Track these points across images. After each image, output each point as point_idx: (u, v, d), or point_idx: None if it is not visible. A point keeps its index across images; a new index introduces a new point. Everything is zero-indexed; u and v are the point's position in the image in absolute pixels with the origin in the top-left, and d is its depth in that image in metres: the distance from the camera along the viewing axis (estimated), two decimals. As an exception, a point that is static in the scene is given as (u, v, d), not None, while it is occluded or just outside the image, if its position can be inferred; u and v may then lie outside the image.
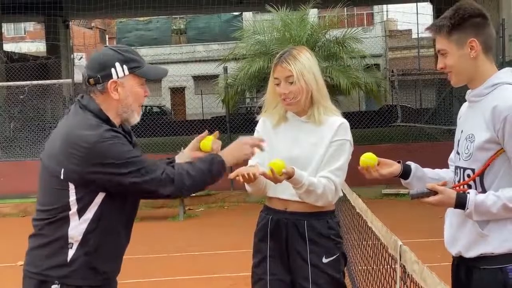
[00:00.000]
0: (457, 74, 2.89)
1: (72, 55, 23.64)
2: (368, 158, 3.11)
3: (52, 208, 2.85)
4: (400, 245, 2.82)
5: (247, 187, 3.50)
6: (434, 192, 2.77)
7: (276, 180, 3.24)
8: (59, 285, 2.84)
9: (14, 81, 17.19)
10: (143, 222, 11.96)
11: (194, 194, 12.54)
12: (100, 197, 2.84)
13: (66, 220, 2.83)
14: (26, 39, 45.46)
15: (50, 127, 16.76)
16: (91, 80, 2.86)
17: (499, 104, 2.72)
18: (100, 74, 2.85)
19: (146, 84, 3.02)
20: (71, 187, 2.81)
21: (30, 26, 45.77)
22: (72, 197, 2.81)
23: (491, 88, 2.82)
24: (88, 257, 2.85)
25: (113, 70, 2.85)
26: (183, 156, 3.23)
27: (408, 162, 3.18)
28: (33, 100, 17.02)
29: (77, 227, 2.83)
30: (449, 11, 2.87)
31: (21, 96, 16.29)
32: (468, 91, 2.92)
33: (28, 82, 16.62)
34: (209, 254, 9.06)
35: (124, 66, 2.86)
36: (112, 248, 2.94)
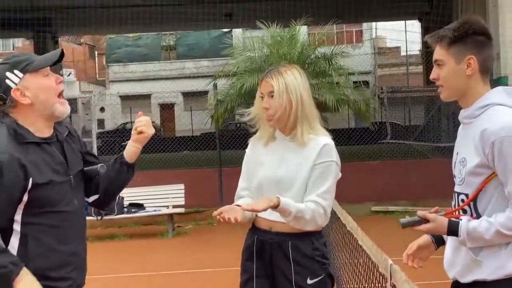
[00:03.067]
0: (448, 89, 2.83)
1: (61, 71, 23.57)
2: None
3: None
4: (391, 264, 2.81)
5: None
6: (425, 220, 2.73)
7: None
8: None
9: (2, 97, 17.11)
10: (132, 240, 11.90)
11: (183, 212, 12.51)
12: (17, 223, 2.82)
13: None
14: (15, 55, 45.35)
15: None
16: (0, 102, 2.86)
17: (487, 127, 2.67)
18: (0, 92, 2.84)
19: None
20: None
21: (19, 42, 45.69)
22: None
23: (482, 109, 2.76)
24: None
25: (8, 81, 2.83)
26: (128, 147, 3.15)
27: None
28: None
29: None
30: (455, 23, 2.82)
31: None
32: (461, 112, 2.86)
33: (16, 98, 16.55)
34: (198, 271, 9.01)
35: (15, 71, 2.85)
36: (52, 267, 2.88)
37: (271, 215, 3.40)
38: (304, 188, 3.39)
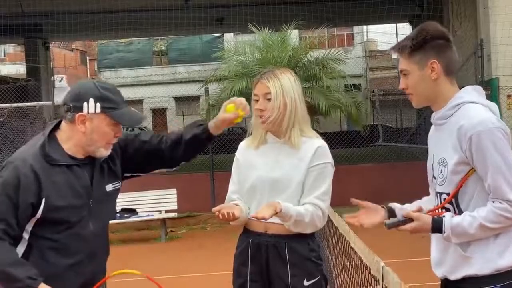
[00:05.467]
0: (417, 96, 2.90)
1: (52, 77, 23.53)
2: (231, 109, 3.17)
3: None
4: (383, 266, 2.81)
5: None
6: (409, 220, 2.76)
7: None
8: None
9: (-7, 103, 17.06)
10: (125, 245, 11.87)
11: (176, 216, 12.49)
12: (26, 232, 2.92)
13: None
14: (6, 62, 45.21)
15: (30, 149, 16.59)
16: (65, 107, 2.94)
17: (464, 124, 2.72)
18: (73, 103, 2.92)
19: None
20: None
21: (10, 48, 45.55)
22: None
23: (454, 109, 2.81)
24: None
25: (85, 104, 2.90)
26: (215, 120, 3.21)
27: (392, 205, 3.12)
28: (12, 123, 16.92)
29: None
30: (413, 32, 2.90)
31: (1, 119, 16.17)
32: (433, 114, 2.93)
33: (8, 105, 16.50)
34: (191, 276, 8.99)
35: (98, 104, 2.90)
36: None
37: None
38: (300, 190, 3.41)
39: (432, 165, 2.93)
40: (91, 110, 2.89)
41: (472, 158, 2.70)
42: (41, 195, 2.84)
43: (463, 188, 2.76)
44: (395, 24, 33.62)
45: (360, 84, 34.81)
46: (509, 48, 13.71)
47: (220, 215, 3.24)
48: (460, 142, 2.72)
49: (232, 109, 3.19)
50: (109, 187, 3.09)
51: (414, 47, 2.83)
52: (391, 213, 3.09)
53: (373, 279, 3.11)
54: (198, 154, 3.33)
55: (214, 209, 3.29)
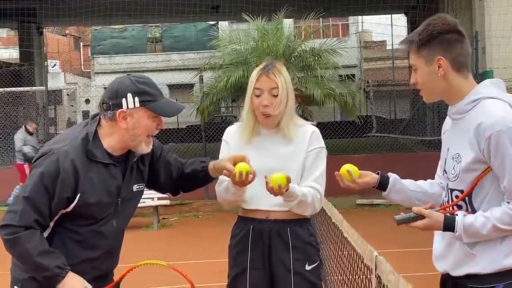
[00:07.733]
0: (427, 92, 2.81)
1: (45, 62, 23.45)
2: (351, 168, 3.08)
3: None
4: (376, 256, 2.81)
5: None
6: (421, 216, 2.68)
7: (275, 194, 3.23)
8: None
9: (-14, 88, 16.98)
10: (117, 231, 11.88)
11: (168, 204, 12.49)
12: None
13: None
14: (-1, 46, 44.99)
15: (23, 134, 16.53)
16: (104, 105, 2.95)
17: (483, 122, 2.61)
18: (112, 101, 2.93)
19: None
20: None
21: (3, 32, 45.29)
22: None
23: (472, 104, 2.70)
24: None
25: (123, 100, 2.91)
26: (216, 164, 3.26)
27: (389, 174, 3.10)
28: (5, 107, 16.86)
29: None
30: (421, 26, 2.79)
31: (-6, 103, 16.12)
32: (450, 108, 2.82)
33: (0, 89, 16.45)
34: (183, 263, 9.00)
35: (136, 98, 2.91)
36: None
37: (264, 204, 3.42)
38: (299, 177, 3.41)
39: (446, 158, 2.84)
40: (131, 105, 2.91)
41: (489, 157, 2.61)
42: (77, 190, 2.88)
43: (478, 186, 2.67)
44: (390, 15, 33.57)
45: (354, 75, 34.80)
46: (503, 41, 13.73)
47: (237, 175, 3.16)
48: (478, 140, 2.62)
49: (241, 168, 3.16)
50: (135, 187, 3.12)
51: (420, 42, 2.75)
52: (384, 179, 3.08)
53: (366, 268, 3.11)
54: (199, 187, 3.46)
55: (225, 172, 3.23)
